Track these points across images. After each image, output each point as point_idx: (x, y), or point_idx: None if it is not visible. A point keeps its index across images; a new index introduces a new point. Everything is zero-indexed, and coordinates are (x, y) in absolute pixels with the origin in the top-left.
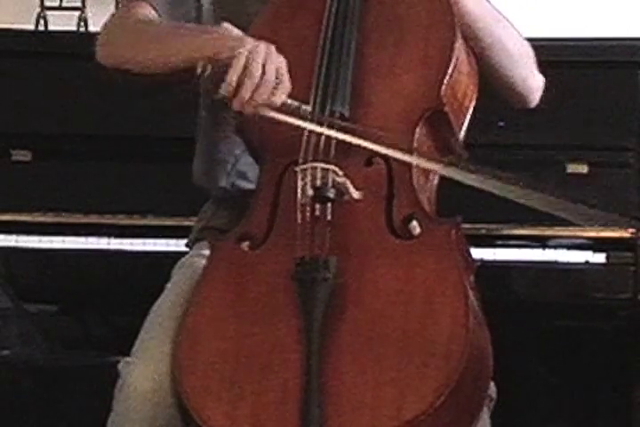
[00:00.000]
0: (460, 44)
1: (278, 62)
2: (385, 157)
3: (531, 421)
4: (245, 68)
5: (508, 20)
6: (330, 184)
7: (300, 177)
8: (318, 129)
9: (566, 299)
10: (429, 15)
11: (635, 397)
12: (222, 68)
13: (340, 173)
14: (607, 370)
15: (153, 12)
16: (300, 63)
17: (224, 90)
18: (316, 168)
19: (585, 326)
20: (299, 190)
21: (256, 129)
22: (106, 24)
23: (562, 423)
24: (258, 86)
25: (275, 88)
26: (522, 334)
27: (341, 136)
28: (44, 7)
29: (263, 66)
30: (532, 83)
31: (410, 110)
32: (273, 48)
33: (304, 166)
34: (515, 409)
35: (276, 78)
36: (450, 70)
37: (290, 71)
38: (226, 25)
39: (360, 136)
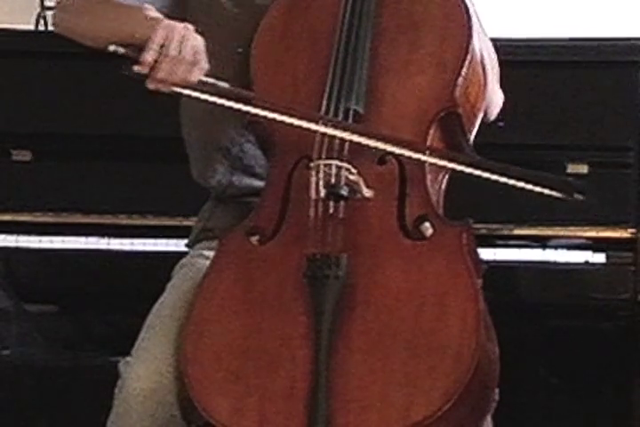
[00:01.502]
0: (474, 46)
1: (195, 42)
2: (397, 157)
3: (531, 421)
4: (161, 47)
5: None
6: (343, 182)
7: (313, 173)
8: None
9: (566, 299)
10: (445, 16)
11: (635, 397)
12: (137, 47)
13: (354, 170)
14: (607, 370)
15: None
16: (313, 59)
17: (139, 69)
18: (330, 165)
19: (585, 326)
20: (312, 187)
21: (267, 124)
22: None
23: (562, 423)
24: (173, 66)
25: (191, 67)
26: (522, 334)
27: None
28: (43, 7)
29: (179, 46)
30: (498, 98)
31: (424, 110)
32: (190, 28)
33: (318, 163)
34: (515, 409)
35: (193, 58)
36: (464, 72)
37: (302, 66)
38: (147, 7)
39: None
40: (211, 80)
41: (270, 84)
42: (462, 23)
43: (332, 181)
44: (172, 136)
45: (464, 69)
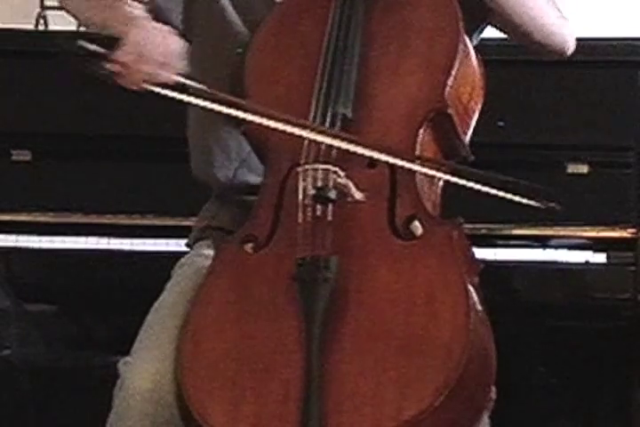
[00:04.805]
0: (464, 46)
1: (169, 43)
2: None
3: (531, 421)
4: (135, 46)
5: None
6: (331, 185)
7: (301, 178)
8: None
9: (566, 299)
10: (434, 18)
11: (635, 397)
12: (110, 41)
13: (342, 173)
14: (607, 370)
15: None
16: (304, 67)
17: (110, 66)
18: (317, 169)
19: (585, 326)
20: (300, 191)
21: (261, 131)
22: None
23: (562, 423)
24: (144, 65)
25: (161, 66)
26: (522, 334)
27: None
28: (43, 7)
29: (152, 46)
30: (559, 30)
31: (413, 112)
32: (167, 29)
33: (305, 167)
34: (515, 409)
35: (165, 58)
36: (454, 72)
37: (294, 74)
38: (131, 3)
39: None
40: (187, 81)
41: (263, 92)
42: (452, 24)
43: (320, 184)
44: (172, 136)
45: (454, 70)
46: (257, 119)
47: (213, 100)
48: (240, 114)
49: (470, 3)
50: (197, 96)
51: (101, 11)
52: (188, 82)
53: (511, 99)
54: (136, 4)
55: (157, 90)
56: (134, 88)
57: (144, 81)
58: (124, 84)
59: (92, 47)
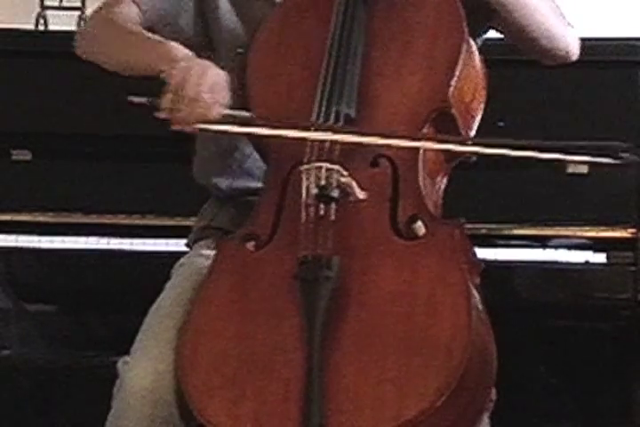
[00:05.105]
0: (467, 46)
1: (213, 79)
2: (390, 158)
3: (531, 421)
4: (177, 90)
5: None
6: (334, 184)
7: (304, 177)
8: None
9: (566, 299)
10: (437, 17)
11: (635, 397)
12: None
13: (345, 172)
14: (607, 370)
15: (134, 8)
16: (306, 67)
17: (162, 114)
18: (320, 168)
19: (585, 326)
20: (303, 190)
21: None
22: (89, 17)
23: (562, 423)
24: (192, 107)
25: (209, 105)
26: (522, 334)
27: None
28: (43, 7)
29: (196, 86)
30: (563, 36)
31: (416, 111)
32: (209, 64)
33: (308, 166)
34: (515, 409)
35: (211, 96)
36: (457, 72)
37: (296, 74)
38: (171, 43)
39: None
40: (234, 112)
41: (265, 92)
42: (455, 23)
43: (323, 183)
44: (172, 136)
45: (457, 70)
46: (320, 136)
47: (274, 127)
48: (304, 134)
49: (474, 4)
50: (247, 125)
51: (142, 53)
52: (234, 113)
53: (511, 99)
54: (174, 43)
55: (211, 128)
56: (189, 130)
57: (194, 123)
58: (177, 128)
59: (142, 100)
